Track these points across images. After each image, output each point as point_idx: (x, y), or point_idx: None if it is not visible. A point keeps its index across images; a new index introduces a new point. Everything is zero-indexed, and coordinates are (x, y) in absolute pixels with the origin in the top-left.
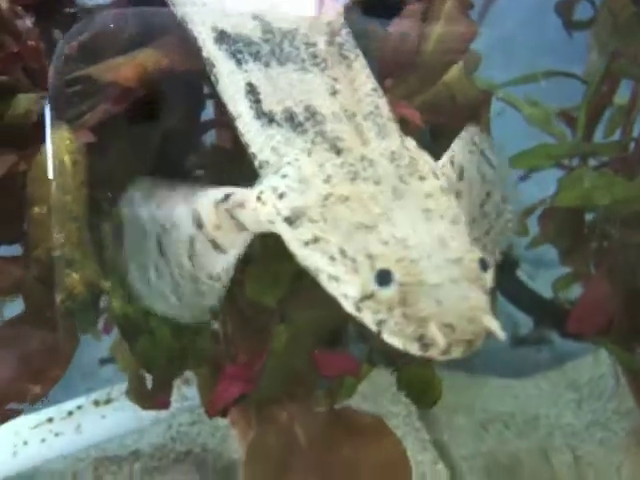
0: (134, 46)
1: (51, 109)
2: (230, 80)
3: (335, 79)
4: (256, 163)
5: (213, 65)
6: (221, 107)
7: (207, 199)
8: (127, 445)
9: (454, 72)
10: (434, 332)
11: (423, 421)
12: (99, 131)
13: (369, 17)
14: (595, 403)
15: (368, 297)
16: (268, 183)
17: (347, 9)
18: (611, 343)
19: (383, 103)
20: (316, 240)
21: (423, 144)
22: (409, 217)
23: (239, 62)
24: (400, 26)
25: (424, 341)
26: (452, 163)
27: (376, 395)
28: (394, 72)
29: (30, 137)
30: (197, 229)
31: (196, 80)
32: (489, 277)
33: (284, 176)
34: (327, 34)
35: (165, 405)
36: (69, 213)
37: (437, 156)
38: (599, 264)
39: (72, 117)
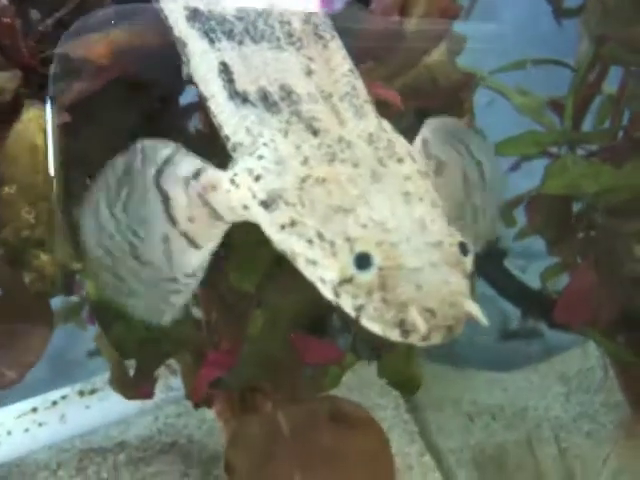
0: None
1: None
2: (202, 59)
3: (311, 59)
4: (229, 145)
5: (185, 44)
6: None
7: (177, 180)
8: (112, 436)
9: (436, 55)
10: (415, 317)
11: (411, 414)
12: (74, 111)
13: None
14: (583, 396)
15: (347, 281)
16: (243, 165)
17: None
18: (598, 334)
19: (360, 84)
20: (293, 223)
21: (406, 126)
22: (388, 200)
23: (212, 41)
24: (381, 4)
25: (404, 327)
26: (427, 154)
27: (363, 387)
28: (375, 53)
29: (4, 116)
30: (171, 226)
31: (174, 60)
32: (469, 261)
33: (260, 157)
34: (302, 13)
35: (149, 395)
36: (40, 193)
37: None
38: (586, 254)
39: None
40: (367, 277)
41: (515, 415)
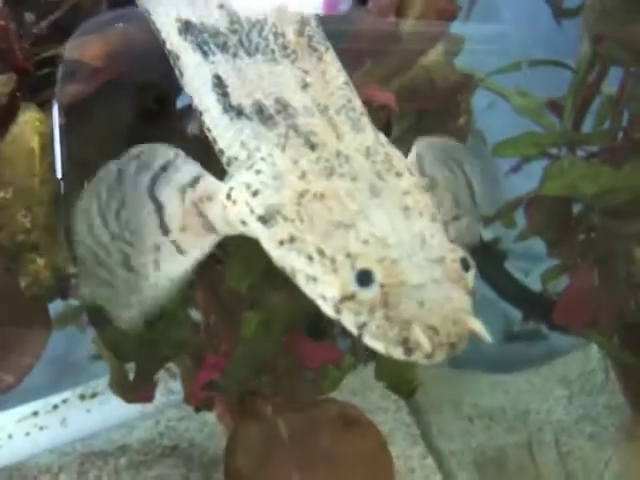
0: None
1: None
2: (196, 73)
3: (306, 71)
4: (223, 159)
5: (177, 57)
6: None
7: (173, 187)
8: (114, 440)
9: (433, 55)
10: (418, 335)
11: (413, 416)
12: (69, 113)
13: None
14: (585, 398)
15: (348, 298)
16: (240, 179)
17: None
18: (598, 335)
19: (355, 97)
20: (292, 239)
21: (407, 127)
22: (388, 215)
23: (205, 54)
24: (377, 4)
25: (408, 345)
26: (421, 169)
27: (365, 390)
28: (371, 54)
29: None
30: (162, 235)
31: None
32: (471, 277)
33: (258, 172)
34: (296, 25)
35: (148, 398)
36: (36, 197)
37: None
38: (586, 255)
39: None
40: (369, 294)
41: (517, 418)
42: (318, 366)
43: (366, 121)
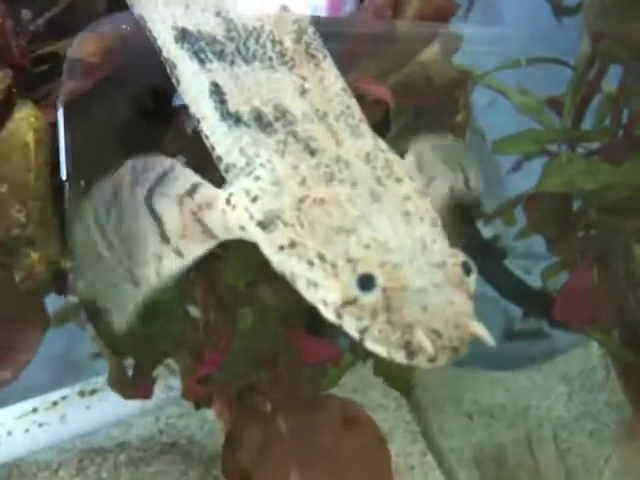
0: None
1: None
2: (193, 81)
3: (304, 78)
4: (221, 166)
5: (174, 66)
6: None
7: (171, 198)
8: (113, 437)
9: (430, 52)
10: (421, 338)
11: (413, 414)
12: (68, 110)
13: None
14: (586, 395)
15: (350, 303)
16: (239, 185)
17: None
18: (598, 332)
19: (354, 103)
20: (292, 244)
21: (405, 123)
22: (389, 220)
23: (202, 62)
24: (373, 3)
25: (410, 348)
26: (419, 168)
27: (366, 388)
28: (368, 50)
29: None
30: (163, 245)
31: None
32: (472, 281)
33: (257, 178)
34: (293, 32)
35: (147, 395)
36: (31, 191)
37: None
38: (585, 252)
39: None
40: (371, 298)
41: (517, 415)
42: (316, 363)
43: (365, 127)
